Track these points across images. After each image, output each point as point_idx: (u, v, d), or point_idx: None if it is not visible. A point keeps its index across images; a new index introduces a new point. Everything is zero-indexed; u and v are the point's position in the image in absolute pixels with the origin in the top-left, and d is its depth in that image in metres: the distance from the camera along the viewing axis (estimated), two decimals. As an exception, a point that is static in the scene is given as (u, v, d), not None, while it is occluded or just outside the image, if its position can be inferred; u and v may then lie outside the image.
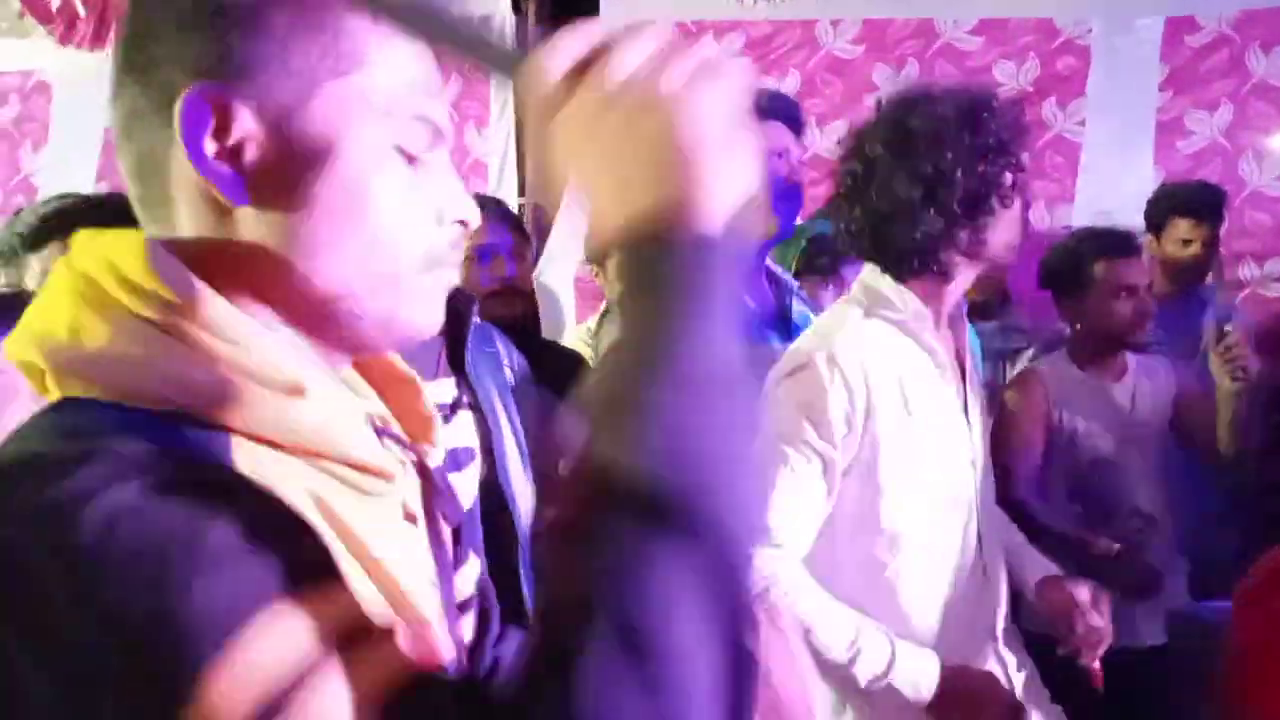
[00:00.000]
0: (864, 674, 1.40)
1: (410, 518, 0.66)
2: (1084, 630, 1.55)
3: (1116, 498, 2.31)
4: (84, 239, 0.61)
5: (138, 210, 0.62)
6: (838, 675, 1.42)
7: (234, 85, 0.57)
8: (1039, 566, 1.67)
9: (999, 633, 1.58)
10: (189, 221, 0.59)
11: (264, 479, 0.53)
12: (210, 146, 0.57)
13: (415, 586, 0.63)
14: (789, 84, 3.35)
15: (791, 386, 1.45)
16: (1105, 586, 1.66)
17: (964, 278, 1.53)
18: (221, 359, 0.55)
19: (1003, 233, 1.49)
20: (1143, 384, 2.37)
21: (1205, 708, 1.94)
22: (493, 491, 1.49)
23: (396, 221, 0.60)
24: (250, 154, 0.57)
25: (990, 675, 1.50)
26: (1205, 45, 3.23)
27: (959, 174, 1.41)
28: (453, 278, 0.65)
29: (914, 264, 1.48)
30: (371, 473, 0.60)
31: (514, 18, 3.39)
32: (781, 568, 1.40)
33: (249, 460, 0.54)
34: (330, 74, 0.58)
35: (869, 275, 1.55)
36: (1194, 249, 2.71)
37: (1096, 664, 1.60)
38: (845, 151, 1.54)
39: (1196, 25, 3.23)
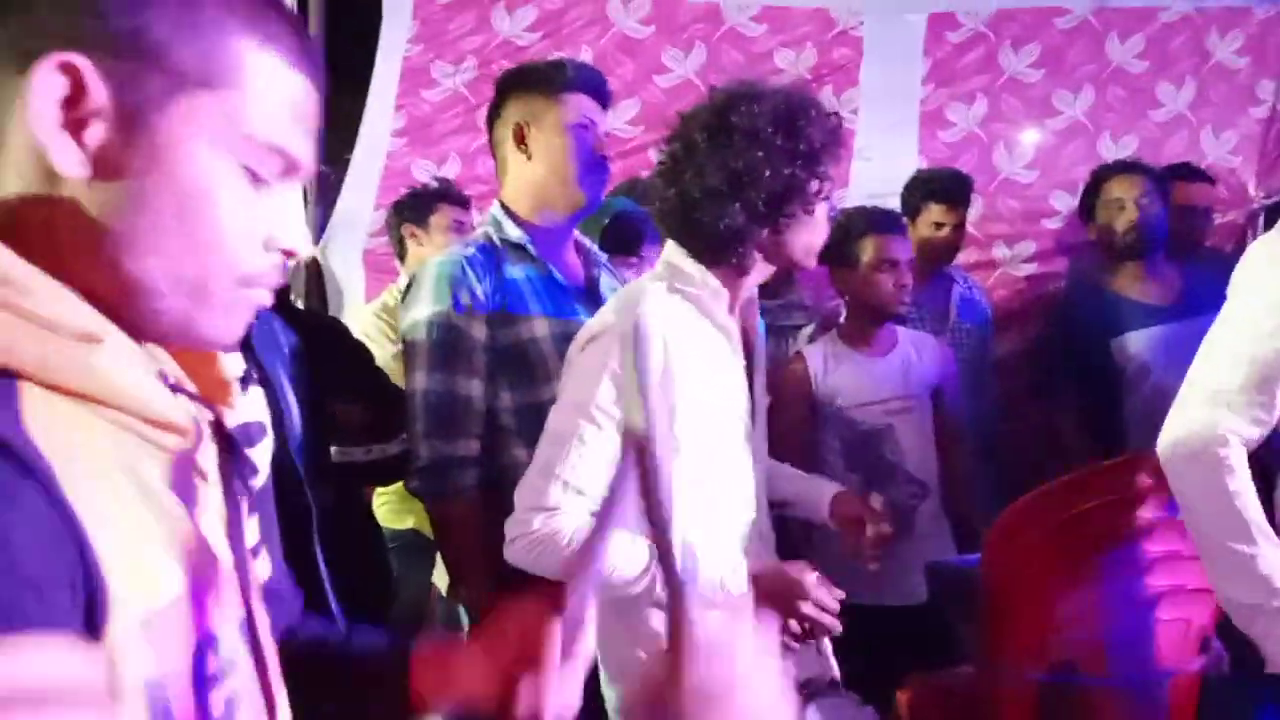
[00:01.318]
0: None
1: (202, 475, 0.65)
2: (873, 535, 1.69)
3: (891, 466, 2.48)
4: None
5: None
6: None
7: (101, 63, 0.57)
8: (825, 485, 1.82)
9: None
10: (15, 185, 0.58)
11: (58, 431, 0.53)
12: (55, 112, 0.56)
13: (213, 543, 0.63)
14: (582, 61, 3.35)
15: (594, 351, 1.48)
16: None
17: (760, 272, 1.59)
18: (11, 305, 0.54)
19: (803, 236, 1.55)
20: (911, 357, 2.55)
21: (966, 644, 2.13)
22: (284, 468, 1.42)
23: (221, 236, 0.61)
24: (95, 132, 0.57)
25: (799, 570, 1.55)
26: (964, 41, 3.49)
27: (767, 173, 1.46)
28: (264, 298, 0.65)
29: (715, 252, 1.53)
30: (166, 427, 0.59)
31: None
32: (581, 520, 1.43)
33: (44, 411, 0.53)
34: (200, 83, 0.59)
35: (673, 252, 1.59)
36: (945, 232, 2.97)
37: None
38: (672, 133, 1.57)
39: (957, 22, 3.48)
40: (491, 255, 1.85)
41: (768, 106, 1.48)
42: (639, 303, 1.51)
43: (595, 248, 2.08)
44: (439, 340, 1.78)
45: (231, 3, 0.60)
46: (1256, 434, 1.44)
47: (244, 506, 0.71)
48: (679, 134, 1.55)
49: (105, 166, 0.57)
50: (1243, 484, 1.42)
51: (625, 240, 2.49)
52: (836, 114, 1.58)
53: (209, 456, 0.67)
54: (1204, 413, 1.45)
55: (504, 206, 1.93)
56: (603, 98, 1.91)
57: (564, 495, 1.42)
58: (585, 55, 3.37)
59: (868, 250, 2.46)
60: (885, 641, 2.16)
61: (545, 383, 1.77)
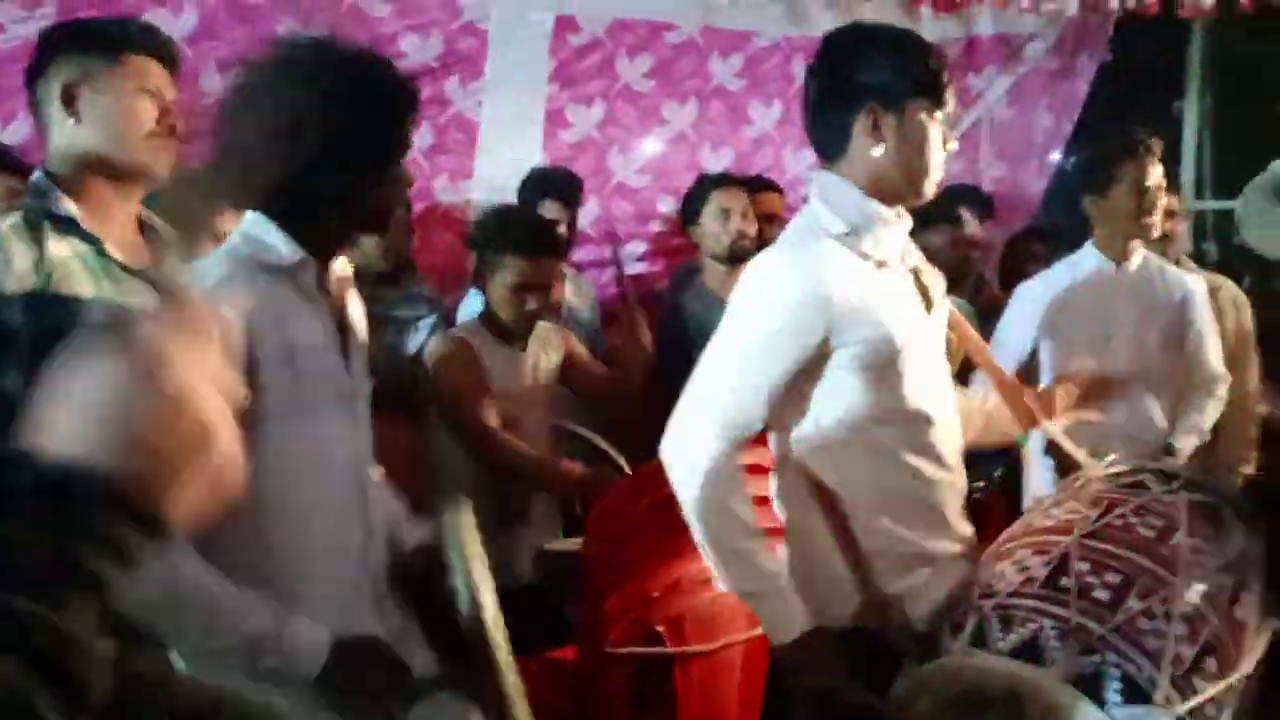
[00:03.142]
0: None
1: None
2: None
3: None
4: None
5: None
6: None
7: None
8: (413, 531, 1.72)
9: (378, 592, 1.58)
10: None
11: None
12: None
13: None
14: (185, 23, 3.06)
15: None
16: None
17: (340, 238, 1.50)
18: None
19: (375, 201, 1.48)
20: (535, 353, 2.65)
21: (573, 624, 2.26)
22: None
23: None
24: None
25: (374, 639, 1.47)
26: (584, 46, 3.62)
27: (307, 127, 1.35)
28: None
29: (288, 216, 1.42)
30: None
31: None
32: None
33: None
34: None
35: (253, 223, 1.45)
36: (560, 229, 3.08)
37: None
38: (223, 88, 1.45)
39: (578, 26, 3.59)
40: (35, 229, 1.64)
41: (316, 57, 1.40)
42: (206, 280, 1.39)
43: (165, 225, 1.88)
44: None
45: None
46: (751, 434, 1.60)
47: None
48: (229, 89, 1.43)
49: None
50: (737, 486, 1.58)
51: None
52: (411, 75, 1.49)
53: None
54: (701, 420, 1.58)
55: (49, 175, 1.70)
56: (171, 63, 1.74)
57: None
58: (191, 17, 3.09)
59: (509, 273, 2.51)
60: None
61: None
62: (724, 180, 3.11)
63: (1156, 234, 2.86)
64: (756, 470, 1.83)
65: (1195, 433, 2.84)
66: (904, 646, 1.55)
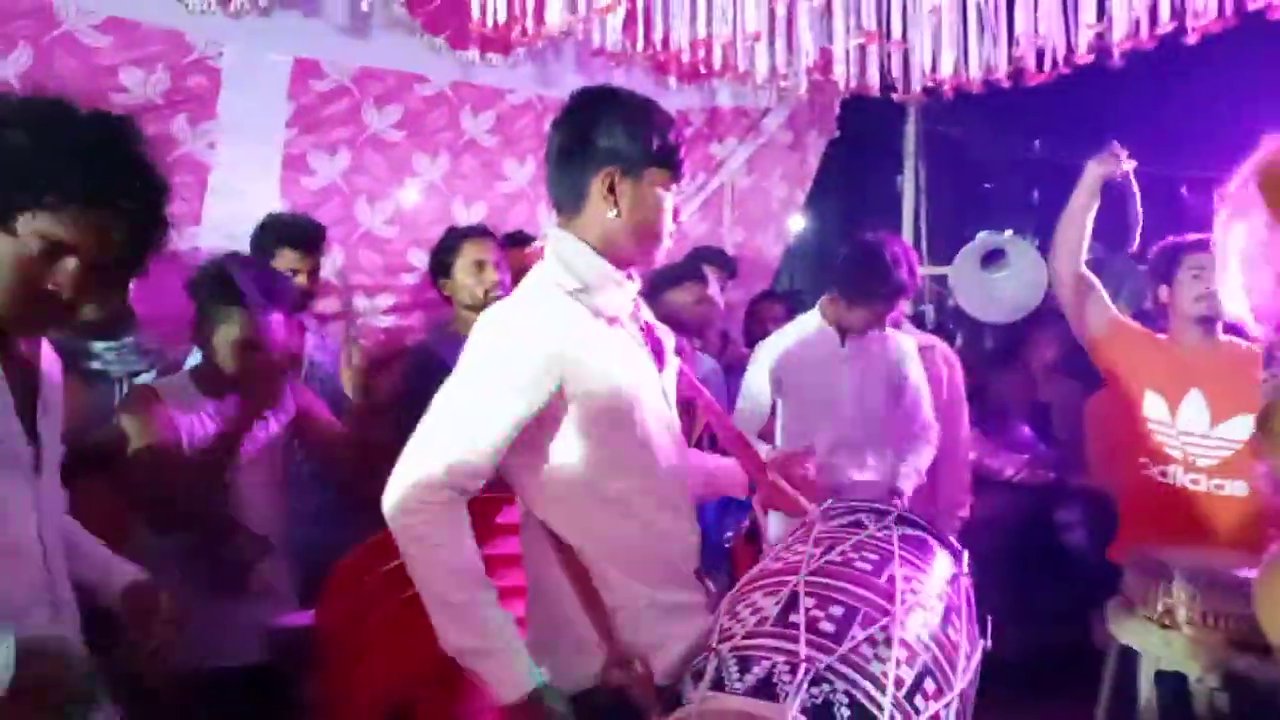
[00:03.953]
0: None
1: None
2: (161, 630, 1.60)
3: (229, 522, 2.35)
4: None
5: None
6: None
7: None
8: (122, 569, 1.67)
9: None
10: None
11: None
12: None
13: None
14: None
15: None
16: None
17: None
18: None
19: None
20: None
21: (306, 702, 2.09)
22: None
23: None
24: None
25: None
26: (328, 91, 3.50)
27: None
28: None
29: None
30: None
31: None
32: None
33: None
34: None
35: None
36: (301, 278, 2.94)
37: None
38: None
39: (322, 71, 3.48)
40: None
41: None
42: None
43: None
44: None
45: None
46: (475, 486, 1.55)
47: None
48: None
49: None
50: (459, 536, 1.52)
51: None
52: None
53: None
54: (423, 468, 1.52)
55: None
56: None
57: None
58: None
59: (232, 326, 2.33)
60: (224, 705, 2.06)
61: None
62: (475, 232, 3.07)
63: None
64: (510, 530, 1.78)
65: (915, 474, 3.18)
66: (647, 703, 1.53)
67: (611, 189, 1.62)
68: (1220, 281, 1.50)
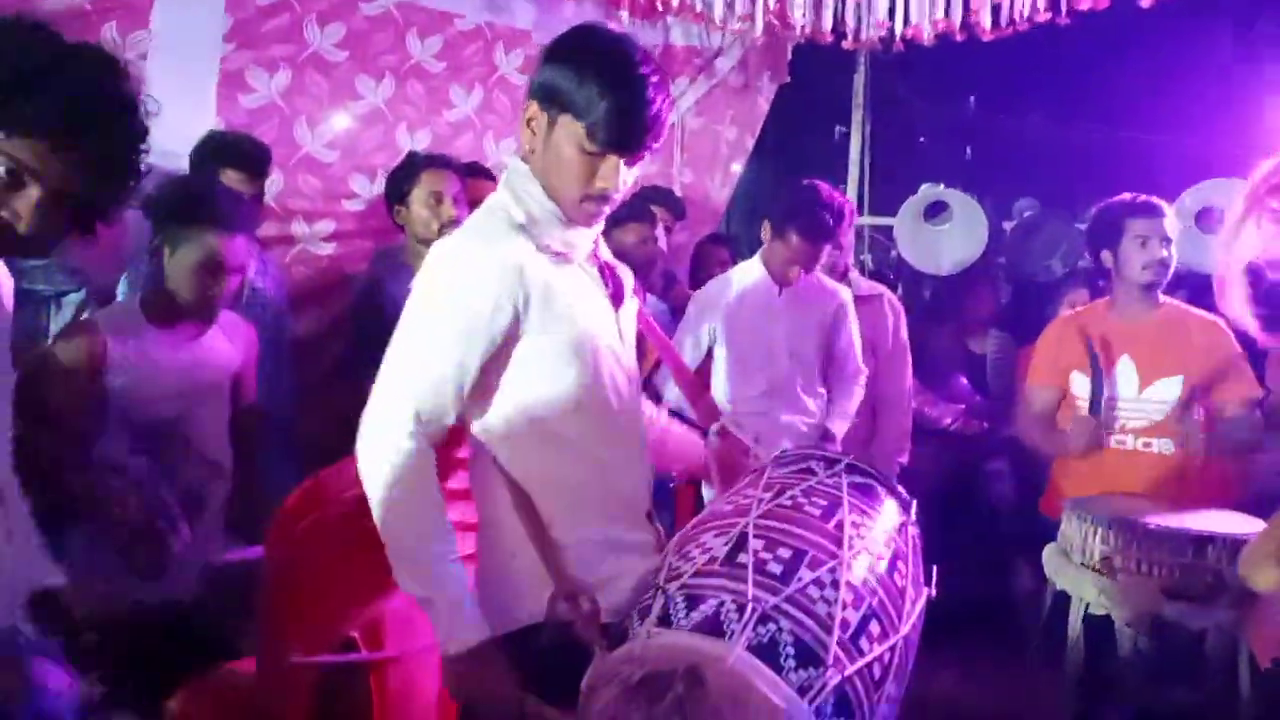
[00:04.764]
0: None
1: None
2: None
3: (186, 449, 2.29)
4: None
5: None
6: None
7: None
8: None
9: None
10: None
11: None
12: None
13: None
14: None
15: None
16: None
17: None
18: None
19: None
20: (219, 344, 2.38)
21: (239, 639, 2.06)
22: None
23: None
24: None
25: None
26: (268, 6, 3.35)
27: None
28: None
29: None
30: None
31: None
32: None
33: None
34: None
35: None
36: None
37: None
38: None
39: (262, -15, 3.33)
40: None
41: None
42: None
43: None
44: None
45: None
46: (443, 432, 1.54)
47: None
48: None
49: None
50: (425, 485, 1.51)
51: None
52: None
53: None
54: (393, 413, 1.51)
55: None
56: None
57: None
58: None
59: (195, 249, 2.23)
60: (151, 641, 2.00)
61: None
62: (435, 161, 2.96)
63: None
64: (461, 464, 1.76)
65: (844, 417, 3.29)
66: (593, 638, 1.53)
67: (530, 123, 1.57)
68: (1221, 295, 1.47)
